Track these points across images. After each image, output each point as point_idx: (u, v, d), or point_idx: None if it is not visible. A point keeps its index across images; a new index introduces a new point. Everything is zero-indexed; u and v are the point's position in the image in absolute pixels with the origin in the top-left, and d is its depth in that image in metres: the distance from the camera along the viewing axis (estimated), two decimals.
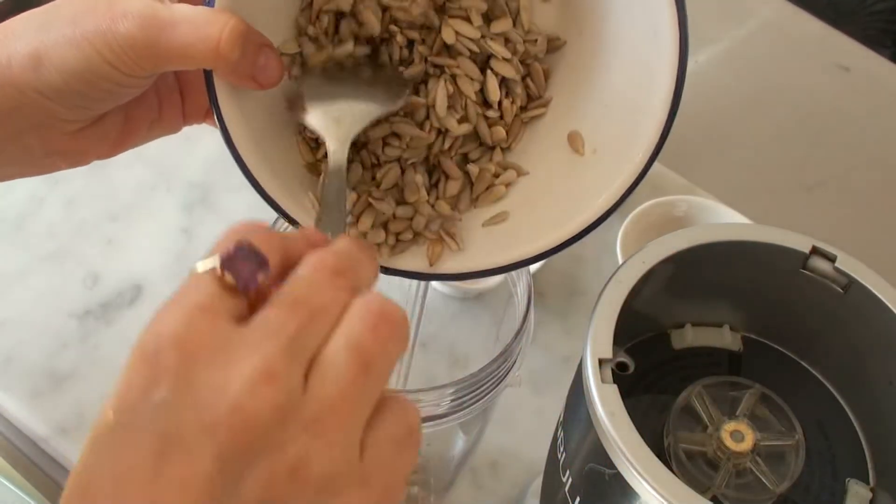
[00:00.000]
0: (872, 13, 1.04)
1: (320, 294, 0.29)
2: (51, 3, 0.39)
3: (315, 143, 0.43)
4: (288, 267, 0.30)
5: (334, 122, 0.40)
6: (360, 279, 0.30)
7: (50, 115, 0.40)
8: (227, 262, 0.28)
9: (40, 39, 0.38)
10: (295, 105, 0.41)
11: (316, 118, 0.40)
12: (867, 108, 0.94)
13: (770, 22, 1.00)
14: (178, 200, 0.73)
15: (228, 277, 0.28)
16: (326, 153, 0.39)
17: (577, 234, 0.40)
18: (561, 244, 0.41)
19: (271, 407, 0.26)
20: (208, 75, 0.38)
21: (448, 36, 0.41)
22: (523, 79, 0.43)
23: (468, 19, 0.41)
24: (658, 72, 0.38)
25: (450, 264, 0.42)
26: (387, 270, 0.42)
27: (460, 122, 0.42)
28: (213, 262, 0.28)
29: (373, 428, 0.28)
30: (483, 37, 0.42)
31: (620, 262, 0.45)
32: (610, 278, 0.42)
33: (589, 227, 0.40)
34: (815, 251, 0.44)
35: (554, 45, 0.43)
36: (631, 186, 0.40)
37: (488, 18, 0.42)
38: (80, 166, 0.43)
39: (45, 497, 0.60)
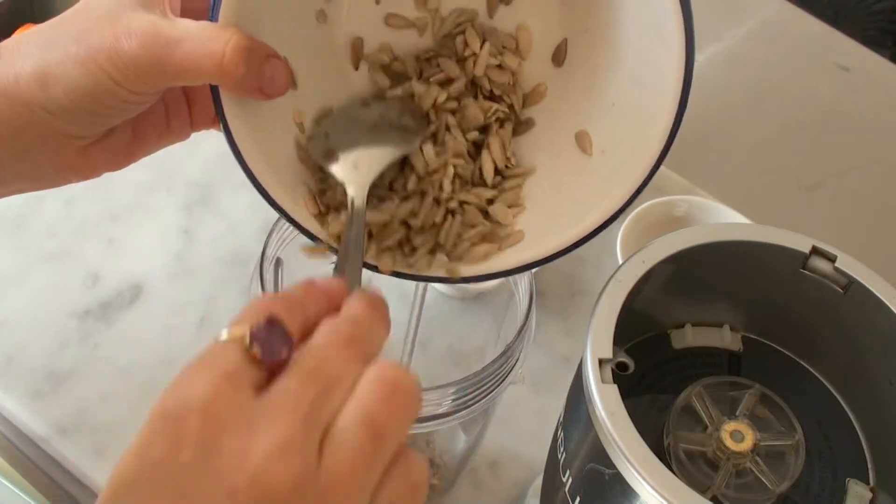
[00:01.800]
0: (872, 13, 1.04)
1: (334, 365, 0.30)
2: (55, 20, 0.39)
3: (321, 188, 0.43)
4: (308, 330, 0.31)
5: (352, 167, 0.40)
6: (373, 344, 0.32)
7: (58, 133, 0.39)
8: (257, 336, 0.30)
9: (45, 58, 0.38)
10: (313, 150, 0.41)
11: (335, 164, 0.40)
12: (867, 108, 0.94)
13: (770, 22, 1.00)
14: (178, 200, 0.73)
15: (256, 350, 0.30)
16: (347, 198, 0.39)
17: (592, 232, 0.41)
18: (575, 243, 0.41)
19: (289, 478, 0.27)
20: (214, 88, 0.38)
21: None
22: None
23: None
24: (665, 72, 0.37)
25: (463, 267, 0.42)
26: (398, 274, 0.42)
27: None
28: (242, 331, 0.30)
29: (381, 489, 0.30)
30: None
31: (620, 262, 0.45)
32: (610, 278, 0.42)
33: (604, 224, 0.40)
34: (815, 251, 0.44)
35: None
36: (641, 185, 0.40)
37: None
38: (91, 179, 0.43)
39: (45, 497, 0.60)
